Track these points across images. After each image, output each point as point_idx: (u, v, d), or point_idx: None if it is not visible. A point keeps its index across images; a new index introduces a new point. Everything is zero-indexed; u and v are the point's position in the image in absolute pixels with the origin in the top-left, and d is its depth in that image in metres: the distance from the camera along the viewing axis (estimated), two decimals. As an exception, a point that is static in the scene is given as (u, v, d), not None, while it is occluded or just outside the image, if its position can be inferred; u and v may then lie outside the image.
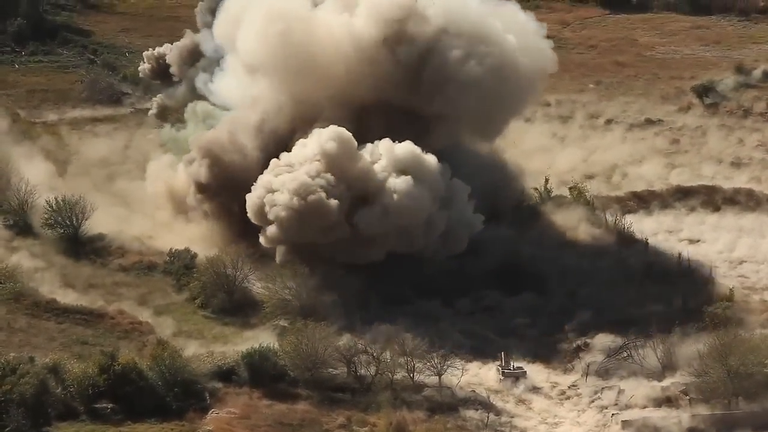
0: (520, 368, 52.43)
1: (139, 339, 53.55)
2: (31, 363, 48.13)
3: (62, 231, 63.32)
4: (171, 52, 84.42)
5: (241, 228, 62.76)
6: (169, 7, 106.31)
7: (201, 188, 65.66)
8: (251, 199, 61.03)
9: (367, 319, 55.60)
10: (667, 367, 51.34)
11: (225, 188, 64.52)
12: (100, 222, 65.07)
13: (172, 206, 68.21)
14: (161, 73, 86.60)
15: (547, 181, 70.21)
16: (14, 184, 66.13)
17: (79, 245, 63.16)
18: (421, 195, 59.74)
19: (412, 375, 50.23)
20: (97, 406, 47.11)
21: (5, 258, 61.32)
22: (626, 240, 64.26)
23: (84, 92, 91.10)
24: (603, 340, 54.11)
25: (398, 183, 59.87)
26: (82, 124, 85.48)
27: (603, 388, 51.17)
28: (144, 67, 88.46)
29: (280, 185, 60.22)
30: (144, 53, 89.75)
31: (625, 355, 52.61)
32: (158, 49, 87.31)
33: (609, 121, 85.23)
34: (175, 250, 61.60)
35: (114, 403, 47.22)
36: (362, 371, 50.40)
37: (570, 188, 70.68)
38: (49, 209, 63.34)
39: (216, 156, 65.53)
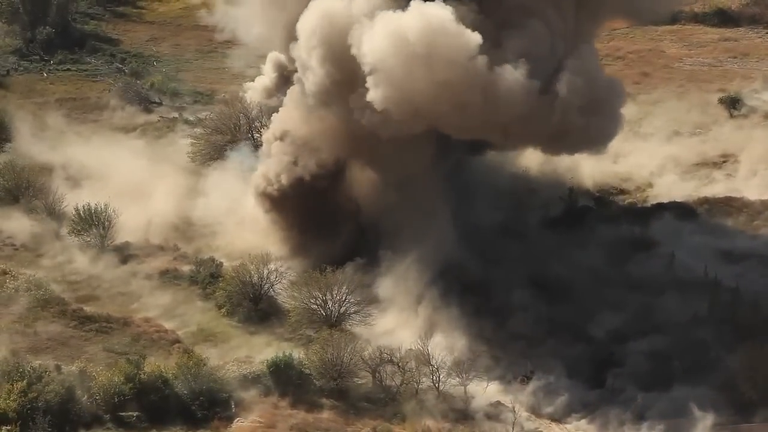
0: (543, 375, 52.41)
1: (165, 347, 53.74)
2: (57, 371, 48.41)
3: (89, 239, 63.30)
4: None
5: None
6: (198, 16, 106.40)
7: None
8: None
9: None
10: (694, 377, 51.23)
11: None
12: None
13: None
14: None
15: (572, 190, 70.07)
16: (46, 191, 66.20)
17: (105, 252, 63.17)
18: None
19: (437, 385, 50.21)
20: (122, 413, 47.33)
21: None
22: (652, 250, 63.98)
23: (112, 100, 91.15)
24: (629, 349, 54.11)
25: None
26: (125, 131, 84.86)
27: (630, 401, 51.06)
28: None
29: None
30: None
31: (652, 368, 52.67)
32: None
33: (637, 132, 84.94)
34: (201, 258, 61.63)
35: (139, 411, 47.44)
36: (387, 381, 50.42)
37: (596, 198, 70.54)
38: (77, 217, 63.31)
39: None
